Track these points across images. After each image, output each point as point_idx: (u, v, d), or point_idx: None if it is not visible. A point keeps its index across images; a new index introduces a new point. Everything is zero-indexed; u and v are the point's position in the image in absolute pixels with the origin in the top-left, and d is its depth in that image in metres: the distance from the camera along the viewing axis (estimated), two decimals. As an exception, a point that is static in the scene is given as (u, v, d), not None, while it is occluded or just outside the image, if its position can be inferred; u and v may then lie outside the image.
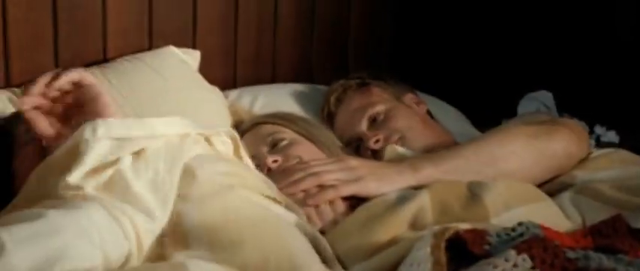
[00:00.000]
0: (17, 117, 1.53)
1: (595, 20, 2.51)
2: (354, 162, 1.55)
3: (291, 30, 2.45)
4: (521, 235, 1.16)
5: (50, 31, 1.96)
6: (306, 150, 1.68)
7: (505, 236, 1.17)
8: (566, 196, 1.54)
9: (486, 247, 1.13)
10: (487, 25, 2.71)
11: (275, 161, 1.59)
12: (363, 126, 1.89)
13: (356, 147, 1.89)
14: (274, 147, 1.70)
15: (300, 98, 2.24)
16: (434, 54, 2.67)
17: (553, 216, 1.40)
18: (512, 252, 1.09)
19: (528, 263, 1.07)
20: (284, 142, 1.70)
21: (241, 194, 1.22)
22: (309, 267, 1.15)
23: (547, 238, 1.15)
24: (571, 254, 1.11)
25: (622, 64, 2.43)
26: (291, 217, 1.30)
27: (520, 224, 1.21)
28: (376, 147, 1.79)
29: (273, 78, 2.40)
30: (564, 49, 2.56)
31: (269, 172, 1.53)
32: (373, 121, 1.89)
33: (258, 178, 1.34)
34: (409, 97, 2.01)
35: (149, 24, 2.13)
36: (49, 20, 1.96)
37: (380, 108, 1.91)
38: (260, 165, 1.54)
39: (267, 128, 1.79)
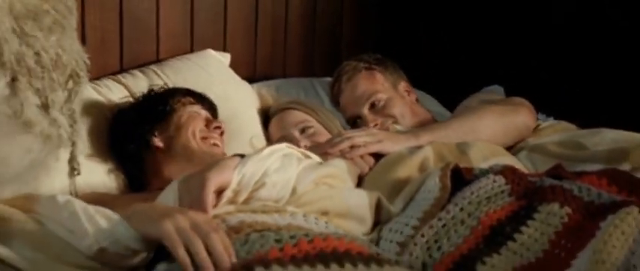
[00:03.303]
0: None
1: (535, 33, 2.87)
2: (374, 130, 1.97)
3: (297, 35, 2.76)
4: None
5: (117, 36, 2.20)
6: (325, 138, 2.03)
7: (485, 171, 1.57)
8: (523, 154, 1.96)
9: (475, 174, 1.55)
10: (453, 35, 3.08)
11: (305, 146, 1.95)
12: (365, 109, 2.24)
13: (353, 123, 2.25)
14: (303, 132, 2.09)
15: (305, 88, 2.56)
16: (410, 55, 2.93)
17: (516, 165, 1.73)
18: (491, 175, 1.51)
19: (503, 181, 1.49)
20: (311, 130, 2.10)
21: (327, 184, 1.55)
22: (360, 214, 1.48)
23: (514, 168, 1.58)
24: (531, 178, 1.54)
25: (557, 66, 2.80)
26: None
27: (493, 165, 1.63)
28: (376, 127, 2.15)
29: (284, 74, 2.72)
30: (512, 55, 2.91)
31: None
32: (373, 106, 2.25)
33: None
34: (403, 86, 2.35)
35: (191, 31, 2.42)
36: (116, 27, 2.20)
37: (381, 96, 2.25)
38: (292, 143, 1.77)
39: (297, 114, 2.15)
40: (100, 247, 1.20)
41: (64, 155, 1.51)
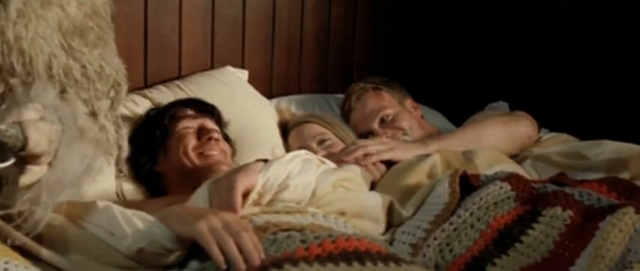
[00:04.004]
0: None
1: (538, 51, 2.92)
2: (386, 139, 2.05)
3: (311, 53, 2.81)
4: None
5: (141, 54, 2.28)
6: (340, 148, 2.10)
7: (491, 178, 1.62)
8: (527, 163, 2.01)
9: (482, 180, 1.62)
10: (460, 53, 3.12)
11: (324, 156, 1.96)
12: (376, 124, 2.30)
13: (365, 137, 2.27)
14: (321, 143, 2.16)
15: (319, 104, 2.64)
16: (419, 73, 3.03)
17: (519, 172, 1.76)
18: (498, 182, 1.56)
19: (508, 187, 1.54)
20: (328, 142, 2.17)
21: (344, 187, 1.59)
22: (375, 215, 1.55)
23: (519, 176, 1.64)
24: (535, 185, 1.60)
25: (559, 83, 2.84)
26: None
27: (498, 171, 1.70)
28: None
29: (299, 90, 2.77)
30: (516, 73, 2.97)
31: None
32: (382, 121, 2.31)
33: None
34: (409, 102, 2.42)
35: (211, 49, 2.49)
36: (141, 45, 2.28)
37: (389, 111, 2.31)
38: None
39: (314, 127, 2.22)
40: (139, 247, 1.26)
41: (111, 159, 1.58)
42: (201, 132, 1.98)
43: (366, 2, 2.97)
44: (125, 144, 1.55)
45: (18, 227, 1.24)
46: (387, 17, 3.05)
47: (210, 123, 2.03)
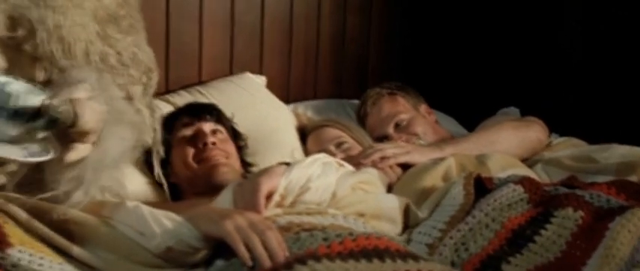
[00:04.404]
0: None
1: (547, 58, 2.95)
2: (402, 143, 2.08)
3: (327, 59, 2.85)
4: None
5: (162, 59, 2.28)
6: (358, 152, 2.13)
7: (504, 181, 1.64)
8: (539, 166, 2.04)
9: (495, 183, 1.64)
10: (472, 59, 3.16)
11: (342, 158, 2.00)
12: (391, 129, 2.33)
13: (380, 141, 2.29)
14: (339, 146, 2.19)
15: (335, 109, 2.67)
16: (432, 78, 3.06)
17: (531, 176, 1.77)
18: (511, 184, 1.59)
19: (521, 190, 1.57)
20: (346, 145, 2.20)
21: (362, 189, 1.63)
22: (392, 216, 1.58)
23: (531, 179, 1.67)
24: (547, 188, 1.63)
25: (568, 90, 2.87)
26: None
27: (511, 175, 1.72)
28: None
29: (315, 95, 2.81)
30: (526, 79, 3.00)
31: None
32: (397, 126, 2.34)
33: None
34: (423, 108, 2.45)
35: (231, 55, 2.53)
36: (163, 51, 2.30)
37: (404, 116, 2.34)
38: None
39: (332, 131, 2.26)
40: (167, 246, 1.30)
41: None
42: (197, 139, 1.96)
43: (380, 10, 3.00)
44: (159, 127, 1.60)
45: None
46: (401, 24, 3.09)
47: (207, 126, 2.00)
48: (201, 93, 2.34)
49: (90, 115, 1.17)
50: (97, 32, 1.39)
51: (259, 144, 2.18)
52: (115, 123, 1.25)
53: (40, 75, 1.33)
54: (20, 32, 1.29)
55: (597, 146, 2.11)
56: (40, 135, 1.16)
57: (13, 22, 1.28)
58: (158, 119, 1.61)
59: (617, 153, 2.00)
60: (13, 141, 1.15)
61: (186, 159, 1.94)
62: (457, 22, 3.19)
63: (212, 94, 2.33)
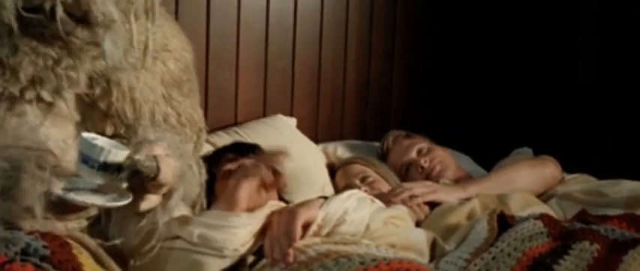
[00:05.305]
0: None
1: (563, 104, 3.02)
2: (429, 182, 2.16)
3: (352, 102, 2.93)
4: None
5: (202, 102, 2.13)
6: (383, 186, 2.25)
7: (525, 217, 1.73)
8: (553, 201, 2.12)
9: (517, 219, 1.73)
10: (488, 103, 3.24)
11: (365, 190, 2.12)
12: (414, 154, 2.43)
13: (406, 169, 2.41)
14: (363, 180, 2.29)
15: (358, 149, 2.75)
16: (450, 120, 3.15)
17: (549, 213, 1.88)
18: (532, 220, 1.68)
19: (541, 224, 1.66)
20: (370, 179, 2.29)
21: (393, 224, 1.71)
22: (420, 248, 1.66)
23: (550, 216, 1.76)
24: (564, 224, 1.72)
25: (578, 129, 2.96)
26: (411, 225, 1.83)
27: (530, 213, 1.80)
28: (426, 165, 2.35)
29: (341, 136, 2.88)
30: (538, 122, 3.08)
31: None
32: (419, 151, 2.43)
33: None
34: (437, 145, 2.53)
35: (264, 98, 2.61)
36: (202, 95, 2.22)
37: (424, 144, 2.46)
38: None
39: (357, 167, 2.36)
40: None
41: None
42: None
43: (402, 56, 3.09)
44: (204, 183, 1.68)
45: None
46: (421, 70, 3.17)
47: (249, 163, 2.05)
48: (238, 133, 2.42)
49: (168, 170, 1.24)
50: (163, 94, 1.50)
51: (292, 182, 2.20)
52: (182, 178, 1.32)
53: (109, 130, 1.43)
54: (97, 91, 1.39)
55: (607, 181, 2.17)
56: (123, 185, 1.23)
57: (92, 81, 1.37)
58: (204, 174, 1.68)
59: (626, 187, 2.07)
60: (97, 189, 1.24)
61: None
62: (473, 69, 3.26)
63: (248, 135, 2.41)
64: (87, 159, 1.18)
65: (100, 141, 1.22)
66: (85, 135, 1.21)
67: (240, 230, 1.54)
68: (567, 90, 3.04)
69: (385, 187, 2.25)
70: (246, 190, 1.58)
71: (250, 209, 1.63)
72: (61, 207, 1.19)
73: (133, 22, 1.32)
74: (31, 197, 1.11)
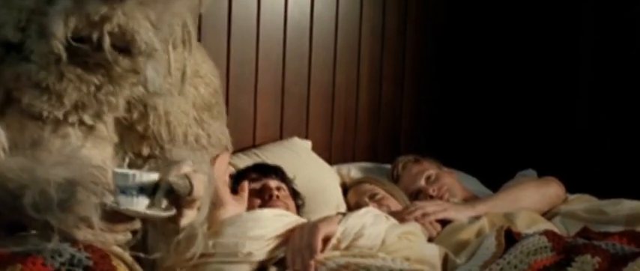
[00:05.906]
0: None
1: (561, 128, 3.11)
2: (440, 201, 2.25)
3: (365, 125, 2.98)
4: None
5: None
6: (391, 202, 2.34)
7: (531, 234, 1.77)
8: (557, 219, 2.20)
9: (523, 235, 1.77)
10: (494, 126, 3.31)
11: (374, 206, 2.16)
12: (423, 182, 2.51)
13: (415, 196, 2.49)
14: (372, 198, 2.37)
15: (370, 171, 2.81)
16: (457, 142, 3.21)
17: (554, 230, 1.94)
18: (537, 236, 1.72)
19: (545, 239, 1.69)
20: (378, 196, 2.38)
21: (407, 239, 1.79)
22: (433, 262, 1.70)
23: (554, 232, 1.82)
24: (567, 239, 1.76)
25: (579, 154, 3.04)
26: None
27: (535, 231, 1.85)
28: (434, 194, 2.43)
29: (353, 158, 2.94)
30: (543, 143, 3.15)
31: None
32: (428, 179, 2.52)
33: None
34: (445, 169, 2.62)
35: (281, 121, 2.68)
36: None
37: (431, 172, 2.54)
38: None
39: (367, 186, 2.45)
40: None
41: None
42: (263, 192, 2.07)
43: (412, 81, 3.15)
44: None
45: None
46: (430, 93, 3.22)
47: (272, 183, 2.11)
48: (257, 155, 2.49)
49: (200, 185, 1.30)
50: (195, 117, 1.57)
51: (308, 201, 2.30)
52: (207, 191, 1.38)
53: (146, 151, 1.50)
54: (135, 115, 1.45)
55: (608, 200, 2.24)
56: (163, 204, 1.28)
57: (130, 105, 1.45)
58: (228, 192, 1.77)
59: (627, 206, 2.15)
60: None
61: (252, 209, 2.05)
62: (480, 94, 3.32)
63: (266, 156, 2.47)
64: (124, 189, 1.24)
65: (124, 169, 1.28)
66: (117, 169, 1.27)
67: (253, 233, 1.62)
68: (569, 116, 3.12)
69: (393, 204, 2.34)
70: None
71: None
72: (111, 220, 1.25)
73: (171, 52, 1.40)
74: (87, 208, 1.18)
